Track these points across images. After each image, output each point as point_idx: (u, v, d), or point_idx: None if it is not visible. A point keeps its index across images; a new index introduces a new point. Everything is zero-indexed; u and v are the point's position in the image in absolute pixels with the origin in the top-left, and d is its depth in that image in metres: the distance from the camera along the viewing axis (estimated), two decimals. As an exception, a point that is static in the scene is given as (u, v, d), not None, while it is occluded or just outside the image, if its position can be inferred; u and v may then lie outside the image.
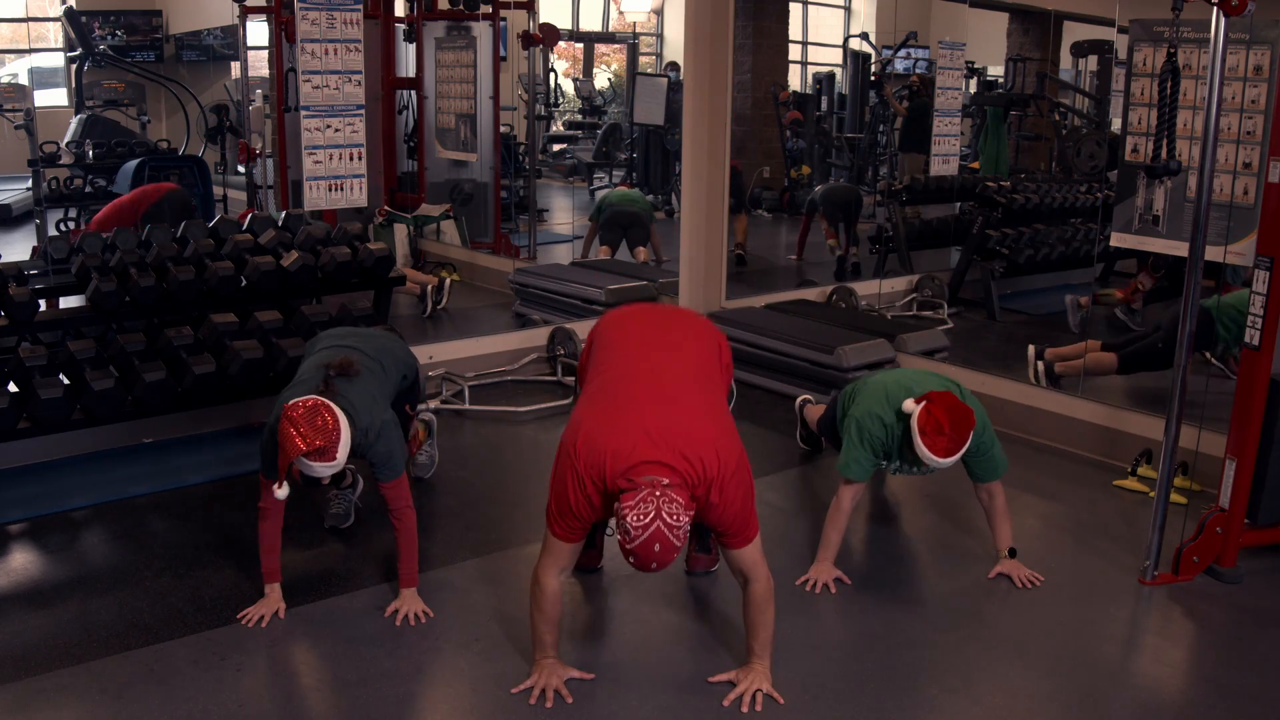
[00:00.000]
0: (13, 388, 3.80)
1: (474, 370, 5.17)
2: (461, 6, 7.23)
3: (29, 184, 5.71)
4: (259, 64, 6.87)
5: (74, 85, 6.44)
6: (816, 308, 5.91)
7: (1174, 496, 3.46)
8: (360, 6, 4.65)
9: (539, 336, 5.50)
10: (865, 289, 6.52)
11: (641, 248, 7.10)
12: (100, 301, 3.95)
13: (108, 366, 3.88)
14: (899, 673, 2.79)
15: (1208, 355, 4.69)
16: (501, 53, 7.34)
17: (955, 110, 6.64)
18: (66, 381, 3.82)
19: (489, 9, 7.23)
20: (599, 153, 9.66)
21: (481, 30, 7.15)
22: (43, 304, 4.17)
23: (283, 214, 4.92)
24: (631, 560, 2.34)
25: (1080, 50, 7.23)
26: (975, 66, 7.57)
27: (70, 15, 6.39)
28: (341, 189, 4.71)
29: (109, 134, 6.25)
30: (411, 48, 7.26)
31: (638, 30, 9.94)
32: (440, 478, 4.02)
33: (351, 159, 4.72)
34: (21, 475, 3.90)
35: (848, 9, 9.09)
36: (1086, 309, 5.88)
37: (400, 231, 6.71)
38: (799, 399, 4.48)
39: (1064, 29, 7.19)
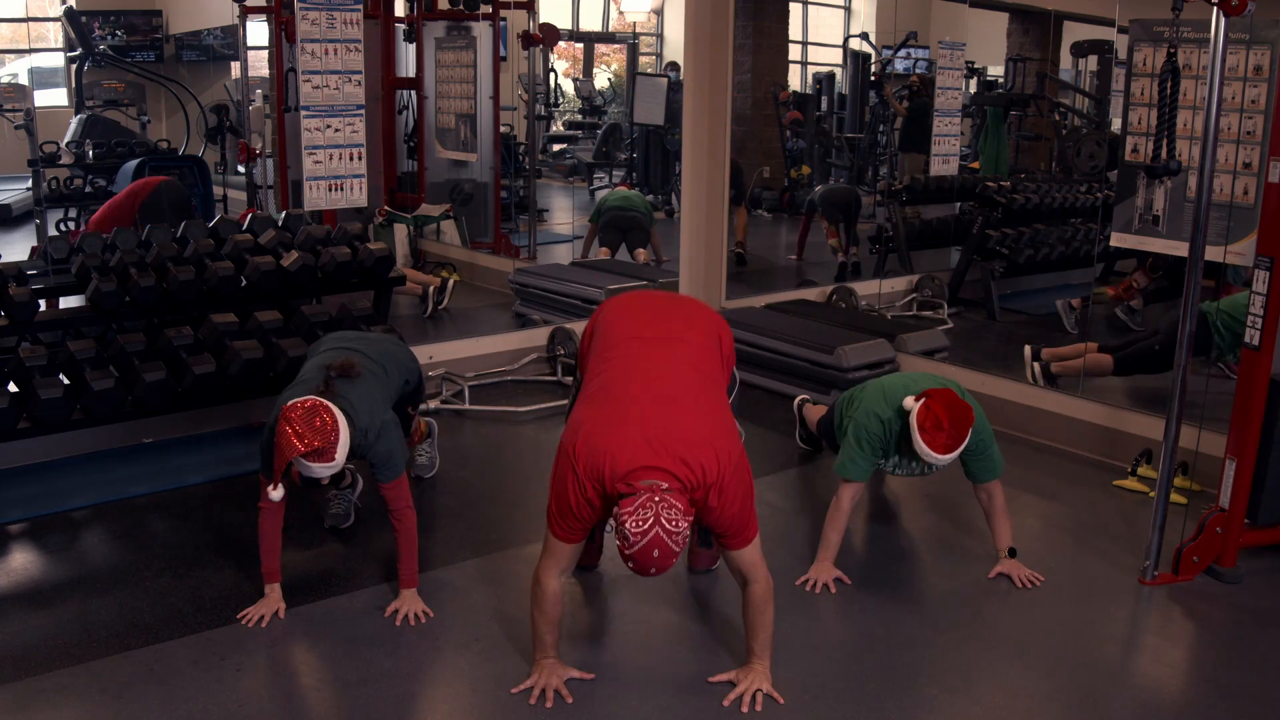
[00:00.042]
0: (13, 388, 3.80)
1: (474, 370, 5.17)
2: (461, 6, 7.23)
3: (29, 184, 5.71)
4: (259, 64, 6.87)
5: (74, 85, 6.44)
6: (816, 308, 5.91)
7: (1174, 496, 3.46)
8: (360, 6, 4.65)
9: (539, 336, 5.50)
10: (865, 289, 6.52)
11: (641, 249, 7.10)
12: (100, 301, 3.95)
13: (108, 366, 3.88)
14: (899, 673, 2.79)
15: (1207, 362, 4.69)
16: (501, 53, 7.34)
17: (955, 110, 6.64)
18: (66, 381, 3.82)
19: (489, 9, 7.23)
20: (599, 153, 9.66)
21: (481, 30, 7.15)
22: (43, 304, 4.17)
23: (283, 214, 4.93)
24: (630, 565, 2.34)
25: (1080, 50, 7.23)
26: (975, 66, 7.57)
27: (70, 15, 6.38)
28: (341, 189, 4.71)
29: (109, 134, 6.25)
30: (411, 48, 7.25)
31: (638, 30, 9.94)
32: (440, 478, 4.02)
33: (351, 159, 4.72)
34: (21, 475, 3.90)
35: (848, 9, 9.09)
36: (1079, 310, 5.88)
37: (400, 231, 6.71)
38: (798, 399, 4.48)
39: (1064, 29, 7.19)
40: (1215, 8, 2.95)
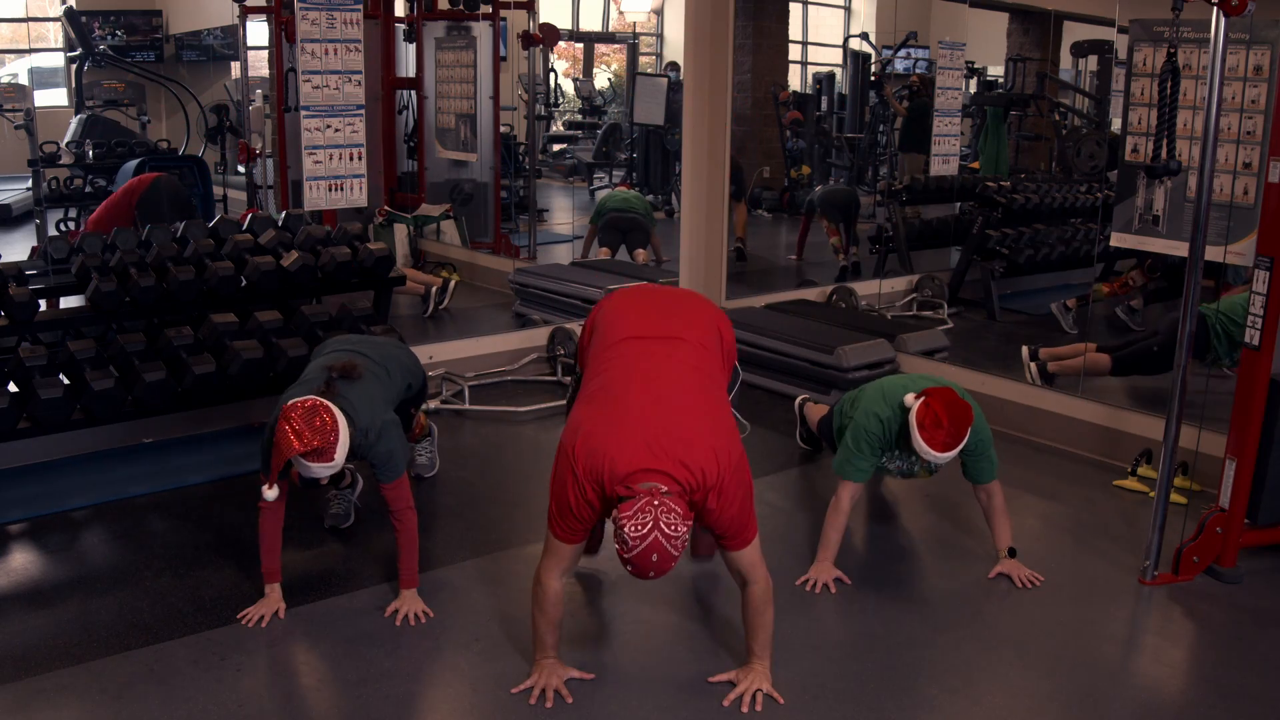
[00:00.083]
0: (13, 388, 3.80)
1: (474, 370, 5.17)
2: (461, 6, 7.23)
3: (29, 184, 5.71)
4: (259, 64, 6.87)
5: (74, 85, 6.44)
6: (816, 308, 5.91)
7: (1174, 496, 3.46)
8: (360, 6, 4.65)
9: (539, 336, 5.50)
10: (865, 289, 6.52)
11: (641, 250, 7.10)
12: (100, 301, 3.95)
13: (108, 366, 3.88)
14: (899, 673, 2.79)
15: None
16: (501, 53, 7.34)
17: (955, 110, 6.64)
18: (66, 381, 3.82)
19: (489, 9, 7.23)
20: (599, 153, 9.65)
21: (481, 30, 7.15)
22: (43, 304, 4.17)
23: (283, 214, 4.93)
24: (629, 569, 2.34)
25: (1080, 50, 7.23)
26: (975, 66, 7.56)
27: (70, 15, 6.38)
28: (341, 189, 4.71)
29: (109, 134, 6.25)
30: (411, 48, 7.25)
31: (638, 30, 9.93)
32: (440, 478, 4.02)
33: (351, 159, 4.72)
34: (21, 475, 3.90)
35: (848, 9, 9.09)
36: (1075, 309, 5.88)
37: (400, 231, 6.71)
38: (799, 398, 4.48)
39: (1064, 29, 7.19)
40: (1215, 8, 2.95)
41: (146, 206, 5.27)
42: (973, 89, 7.69)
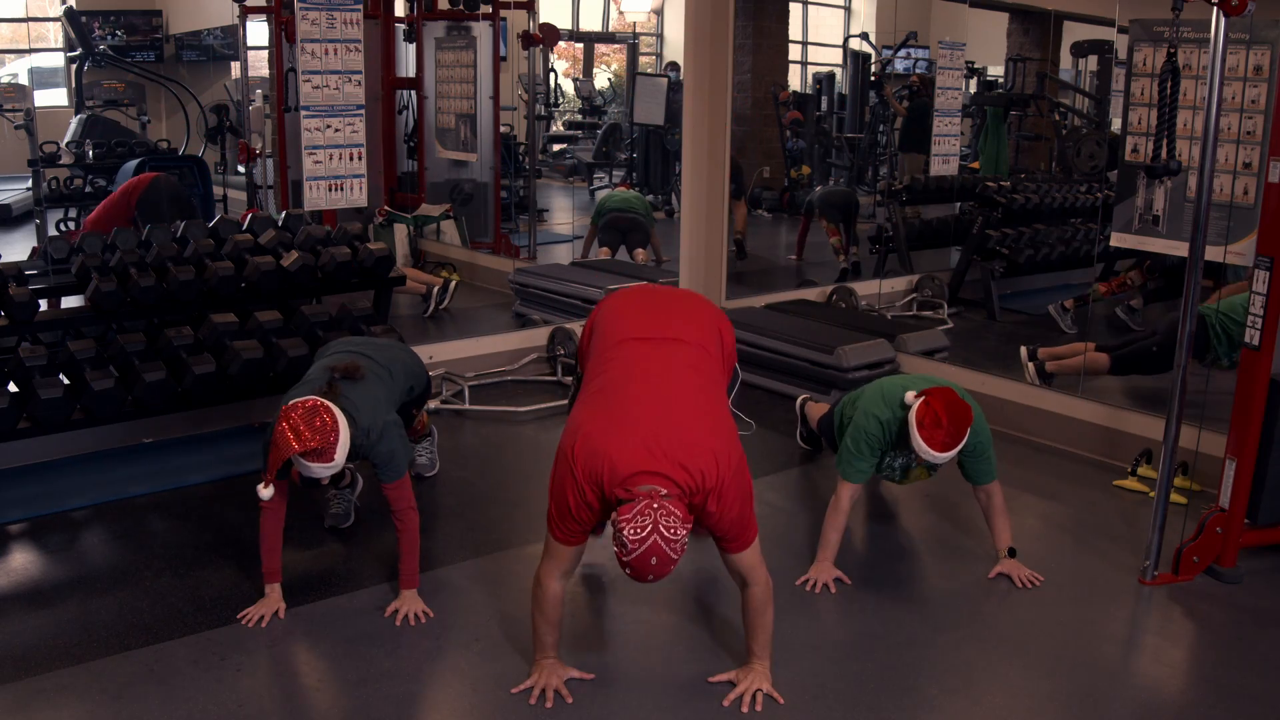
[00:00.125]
0: (13, 388, 3.80)
1: (474, 370, 5.17)
2: (461, 6, 7.23)
3: (29, 184, 5.71)
4: (259, 64, 6.87)
5: (74, 85, 6.44)
6: (816, 308, 5.91)
7: (1174, 496, 3.46)
8: (360, 6, 4.65)
9: (539, 336, 5.50)
10: (865, 289, 6.52)
11: (641, 250, 7.10)
12: (100, 301, 3.95)
13: (108, 366, 3.88)
14: (899, 673, 2.79)
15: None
16: (501, 53, 7.34)
17: (955, 110, 6.64)
18: (66, 381, 3.82)
19: (489, 9, 7.23)
20: (599, 153, 9.65)
21: (481, 30, 7.15)
22: (44, 304, 4.17)
23: (283, 214, 4.93)
24: (628, 572, 2.33)
25: (1080, 50, 7.23)
26: (975, 66, 7.56)
27: (70, 15, 6.38)
28: (341, 189, 4.72)
29: (109, 134, 6.25)
30: (411, 48, 7.26)
31: (638, 30, 9.93)
32: (440, 478, 4.02)
33: (351, 159, 4.72)
34: (21, 475, 3.90)
35: (848, 9, 9.09)
36: (1072, 310, 5.89)
37: (400, 231, 6.71)
38: (800, 398, 4.48)
39: (1064, 29, 7.19)
40: (1215, 8, 2.95)
41: (146, 206, 5.27)
42: (973, 89, 7.69)
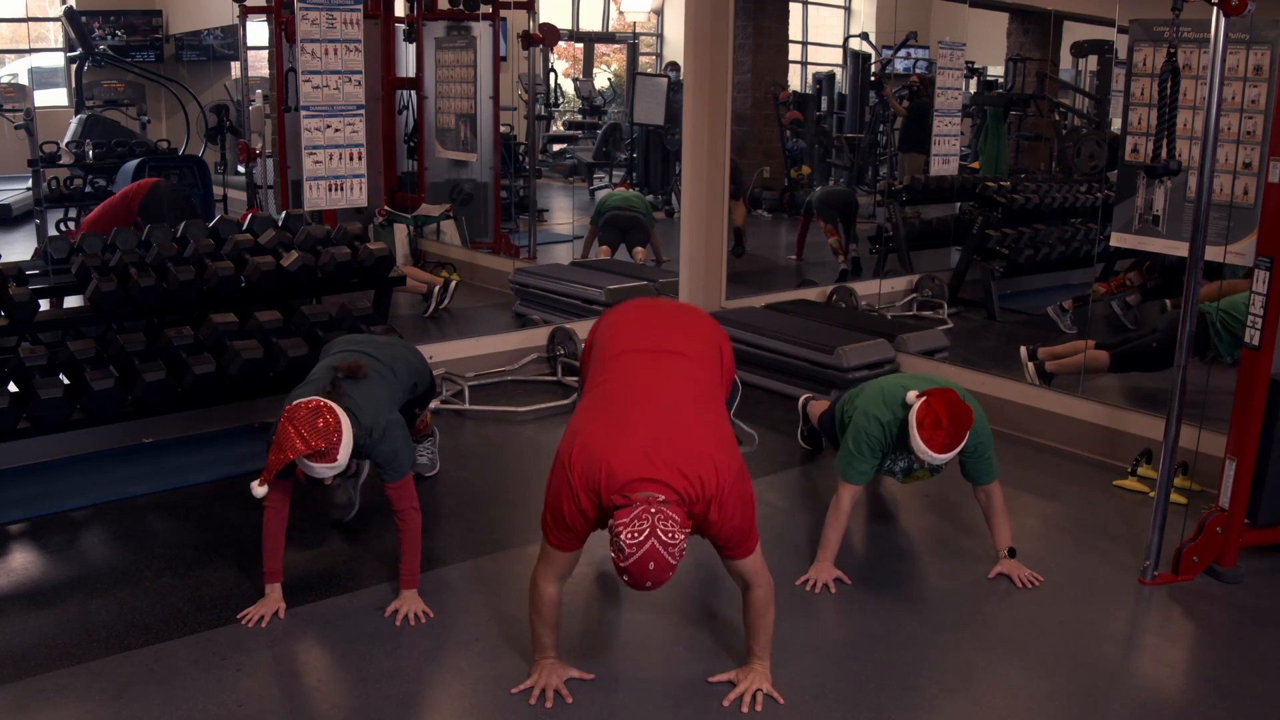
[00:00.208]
0: (13, 388, 3.80)
1: (474, 370, 5.17)
2: (461, 6, 7.23)
3: (29, 184, 5.71)
4: (259, 64, 6.87)
5: (74, 85, 6.44)
6: (816, 308, 5.91)
7: (1174, 496, 3.46)
8: (360, 6, 4.65)
9: (539, 336, 5.50)
10: (865, 289, 6.52)
11: (640, 249, 7.10)
12: (100, 301, 3.95)
13: (108, 366, 3.88)
14: (899, 673, 2.79)
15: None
16: (501, 53, 7.34)
17: (955, 110, 6.64)
18: (66, 381, 3.82)
19: (489, 9, 7.23)
20: (599, 153, 9.65)
21: (481, 30, 7.15)
22: (45, 304, 4.17)
23: (283, 214, 4.93)
24: (625, 579, 2.29)
25: (1080, 50, 7.23)
26: (975, 66, 7.56)
27: (70, 15, 6.38)
28: (341, 189, 4.72)
29: (109, 134, 6.25)
30: (411, 48, 7.26)
31: (638, 30, 9.93)
32: (440, 478, 4.02)
33: (351, 159, 4.72)
34: (21, 475, 3.90)
35: (848, 9, 9.09)
36: (1071, 310, 5.89)
37: (400, 231, 6.71)
38: (802, 397, 4.48)
39: (1064, 29, 7.19)
40: (1215, 8, 2.95)
41: (148, 213, 5.27)
42: (973, 89, 7.69)
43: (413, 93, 7.37)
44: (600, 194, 9.25)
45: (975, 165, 7.57)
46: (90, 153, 6.06)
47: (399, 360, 3.31)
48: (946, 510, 3.83)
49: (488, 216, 7.44)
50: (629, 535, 2.24)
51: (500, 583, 3.22)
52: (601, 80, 10.56)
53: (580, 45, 10.22)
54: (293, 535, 3.06)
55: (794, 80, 8.77)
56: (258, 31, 6.58)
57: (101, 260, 4.14)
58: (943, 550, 3.54)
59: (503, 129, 7.58)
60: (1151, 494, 3.68)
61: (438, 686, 2.74)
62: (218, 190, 6.48)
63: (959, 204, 7.22)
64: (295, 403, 2.78)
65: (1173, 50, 3.30)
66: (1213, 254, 3.44)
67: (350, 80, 4.65)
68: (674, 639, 2.95)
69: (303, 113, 4.58)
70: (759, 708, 2.60)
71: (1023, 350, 4.96)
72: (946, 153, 6.61)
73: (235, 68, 6.80)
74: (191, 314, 4.21)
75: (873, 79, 8.48)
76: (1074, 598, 3.21)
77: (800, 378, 4.96)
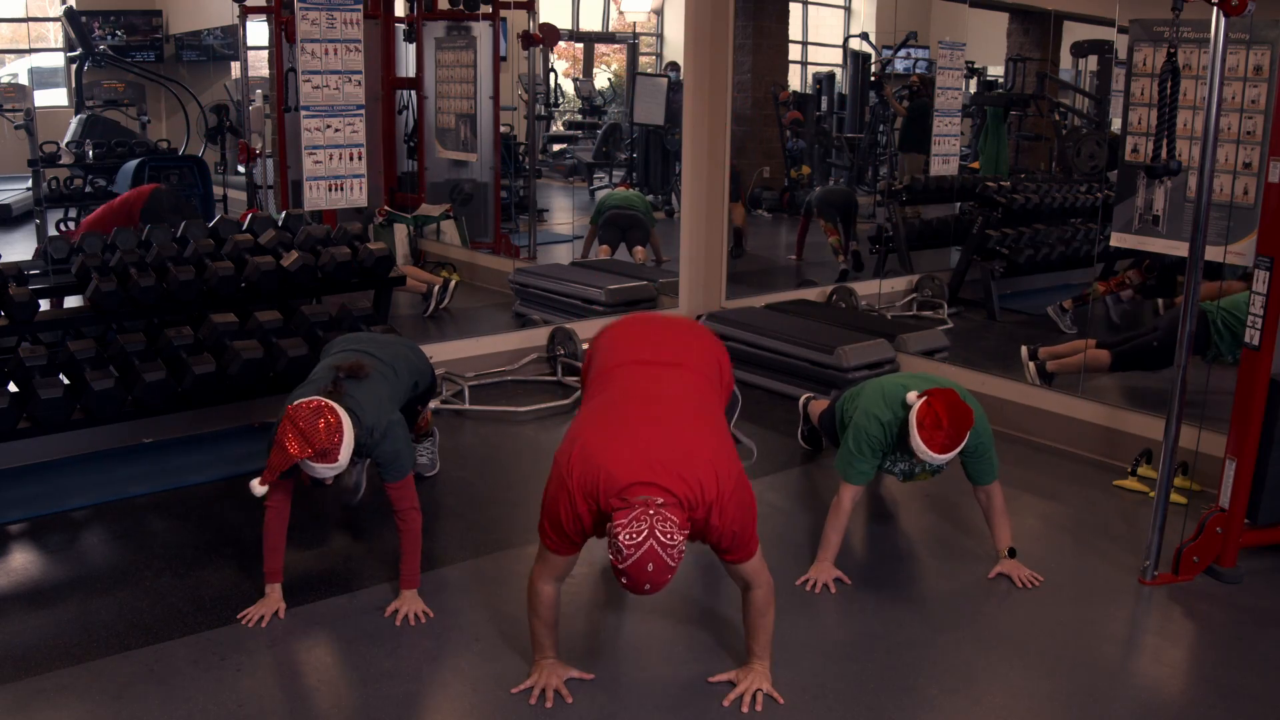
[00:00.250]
0: (13, 388, 3.80)
1: (474, 370, 5.17)
2: (461, 6, 7.23)
3: (29, 184, 5.71)
4: (259, 64, 6.87)
5: (74, 85, 6.44)
6: (816, 308, 5.91)
7: (1174, 496, 3.46)
8: (360, 6, 4.65)
9: (539, 336, 5.50)
10: (865, 289, 6.52)
11: (640, 248, 7.10)
12: (100, 301, 3.95)
13: (108, 366, 3.88)
14: (899, 673, 2.79)
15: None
16: (501, 53, 7.34)
17: (955, 110, 6.64)
18: (66, 381, 3.82)
19: (489, 9, 7.23)
20: (599, 153, 9.65)
21: (481, 30, 7.15)
22: (45, 304, 4.16)
23: (283, 214, 4.93)
24: (623, 581, 2.27)
25: (1080, 50, 7.23)
26: (975, 66, 7.56)
27: (70, 15, 6.38)
28: (341, 189, 4.72)
29: (109, 134, 6.25)
30: (411, 48, 7.26)
31: (638, 30, 9.93)
32: (440, 478, 4.02)
33: (351, 159, 4.72)
34: (21, 475, 3.90)
35: (848, 9, 9.09)
36: (1071, 310, 5.89)
37: (400, 231, 6.71)
38: (803, 396, 4.48)
39: (1064, 29, 7.18)
40: (1215, 8, 2.95)
41: (149, 219, 5.27)
42: (973, 89, 7.69)
43: (413, 93, 7.37)
44: (600, 194, 9.25)
45: (975, 165, 7.56)
46: (90, 153, 6.06)
47: (400, 359, 3.32)
48: (946, 510, 3.83)
49: (488, 216, 7.44)
50: (627, 536, 2.22)
51: (500, 583, 3.22)
52: (601, 80, 10.56)
53: (580, 45, 10.22)
54: (293, 535, 3.06)
55: (794, 80, 8.76)
56: (258, 31, 6.58)
57: (101, 260, 4.14)
58: (943, 550, 3.54)
59: (503, 129, 7.58)
60: (1151, 494, 3.68)
61: (438, 686, 2.74)
62: (218, 190, 6.48)
63: (959, 204, 7.22)
64: (297, 403, 2.78)
65: (1173, 50, 3.30)
66: (1213, 254, 3.44)
67: (350, 80, 4.65)
68: (674, 639, 2.95)
69: (303, 113, 4.58)
70: (759, 708, 2.60)
71: (1023, 350, 4.96)
72: (946, 153, 6.61)
73: (235, 68, 6.80)
74: (191, 314, 4.21)
75: (873, 79, 8.48)
76: (1074, 598, 3.21)
77: (800, 378, 4.96)
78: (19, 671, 2.70)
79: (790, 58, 8.57)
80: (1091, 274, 6.08)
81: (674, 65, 8.45)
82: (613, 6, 9.84)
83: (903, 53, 8.12)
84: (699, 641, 2.92)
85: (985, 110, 7.52)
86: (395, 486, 2.98)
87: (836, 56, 8.99)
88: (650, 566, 2.22)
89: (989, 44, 7.63)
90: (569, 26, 9.54)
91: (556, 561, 2.56)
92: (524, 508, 3.78)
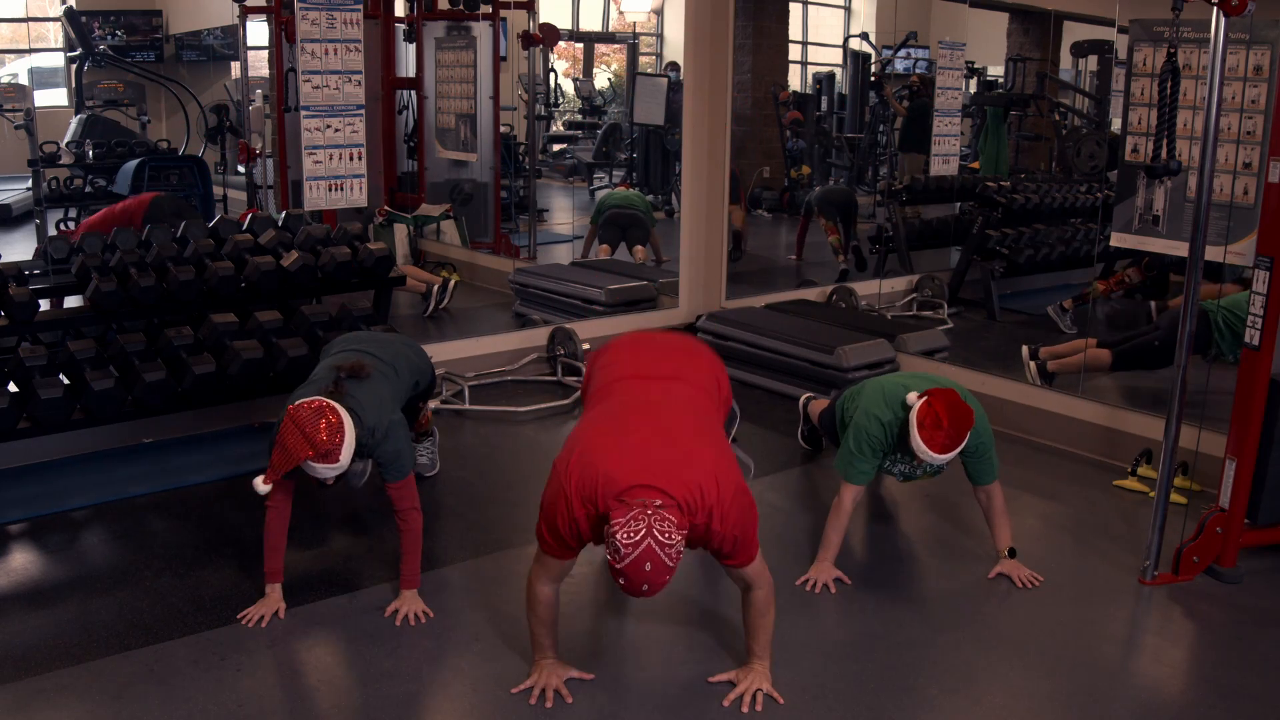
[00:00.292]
0: (13, 388, 3.80)
1: (474, 370, 5.17)
2: (461, 6, 7.23)
3: (29, 184, 5.71)
4: (259, 64, 6.87)
5: (74, 85, 6.44)
6: (816, 308, 5.91)
7: (1174, 496, 3.46)
8: (360, 6, 4.65)
9: (539, 336, 5.50)
10: (865, 289, 6.52)
11: (640, 247, 7.10)
12: (100, 301, 3.95)
13: (108, 366, 3.88)
14: (899, 673, 2.79)
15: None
16: (501, 53, 7.34)
17: (955, 110, 6.64)
18: (66, 381, 3.82)
19: (489, 9, 7.23)
20: (599, 153, 9.65)
21: (481, 30, 7.15)
22: (45, 304, 4.16)
23: (283, 214, 4.93)
24: (621, 582, 2.25)
25: (1080, 50, 7.23)
26: (975, 66, 7.56)
27: (70, 15, 6.38)
28: (341, 189, 4.72)
29: (109, 134, 6.25)
30: (411, 48, 7.26)
31: (638, 30, 9.93)
32: (440, 478, 4.02)
33: (351, 159, 4.72)
34: (21, 475, 3.90)
35: (848, 9, 9.09)
36: (1071, 310, 5.90)
37: (400, 231, 6.72)
38: (803, 396, 4.48)
39: (1064, 29, 7.18)
40: (1215, 8, 2.95)
41: (152, 222, 5.27)
42: (973, 89, 7.69)
43: (413, 93, 7.37)
44: (600, 194, 9.25)
45: (975, 165, 7.57)
46: (90, 153, 6.06)
47: (401, 359, 3.32)
48: (946, 510, 3.83)
49: (488, 216, 7.44)
50: (625, 535, 2.22)
51: (500, 583, 3.22)
52: (601, 80, 10.56)
53: (580, 45, 10.22)
54: (293, 535, 3.06)
55: (794, 80, 8.77)
56: (258, 31, 6.58)
57: (101, 260, 4.14)
58: (943, 550, 3.54)
59: (503, 129, 7.58)
60: (1151, 494, 3.68)
61: (438, 686, 2.74)
62: (218, 190, 6.48)
63: (959, 204, 7.22)
64: (298, 403, 2.78)
65: (1173, 50, 3.30)
66: (1213, 254, 3.44)
67: (350, 80, 4.65)
68: (674, 639, 2.95)
69: (303, 113, 4.58)
70: (759, 708, 2.60)
71: (1024, 350, 4.96)
72: (946, 153, 6.61)
73: (235, 68, 6.80)
74: (191, 314, 4.21)
75: (873, 79, 8.48)
76: (1074, 598, 3.21)
77: (800, 378, 4.96)
78: (19, 671, 2.70)
79: (790, 58, 8.57)
80: (1092, 274, 6.08)
81: (674, 65, 8.45)
82: (613, 6, 9.84)
83: (903, 53, 8.12)
84: (699, 642, 2.92)
85: (985, 110, 7.52)
86: (396, 486, 2.98)
87: (836, 56, 8.99)
88: (648, 566, 2.21)
89: (989, 44, 7.63)
90: (569, 26, 9.54)
91: (554, 564, 2.56)
92: (524, 508, 3.78)
